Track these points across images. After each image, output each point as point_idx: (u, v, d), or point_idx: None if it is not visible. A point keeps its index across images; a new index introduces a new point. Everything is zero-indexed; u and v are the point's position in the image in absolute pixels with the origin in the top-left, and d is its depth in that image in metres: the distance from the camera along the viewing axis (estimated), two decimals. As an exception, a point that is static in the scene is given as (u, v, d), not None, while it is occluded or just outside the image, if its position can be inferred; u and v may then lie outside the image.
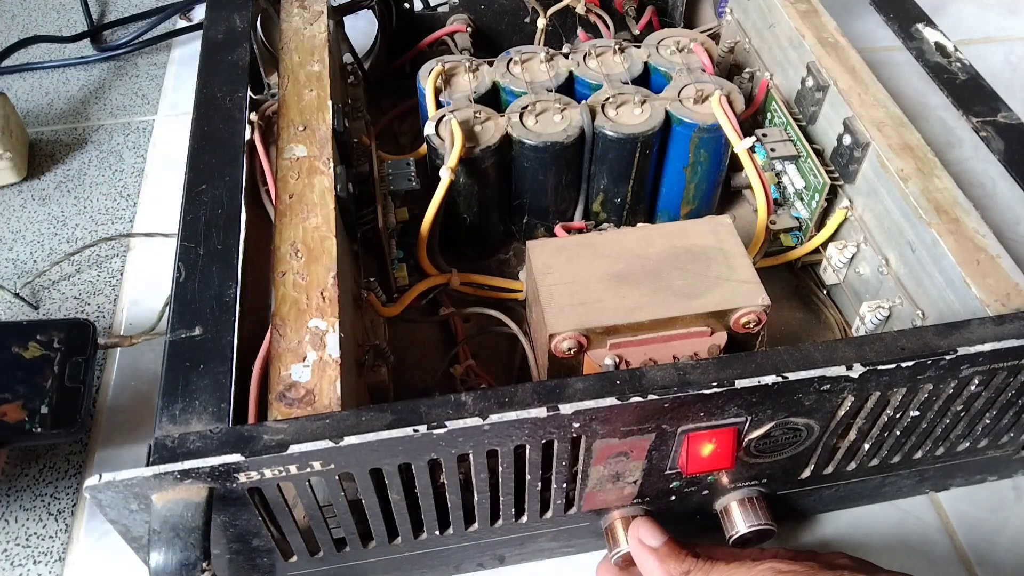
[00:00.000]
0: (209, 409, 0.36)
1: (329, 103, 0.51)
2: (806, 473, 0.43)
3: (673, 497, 0.42)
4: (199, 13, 0.82)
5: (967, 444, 0.43)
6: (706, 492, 0.43)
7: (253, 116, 0.55)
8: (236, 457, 0.33)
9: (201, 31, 0.55)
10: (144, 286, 0.59)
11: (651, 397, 0.35)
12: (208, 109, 0.49)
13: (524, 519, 0.41)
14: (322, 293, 0.41)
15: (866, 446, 0.42)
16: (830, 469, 0.43)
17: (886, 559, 0.46)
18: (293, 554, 0.40)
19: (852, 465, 0.43)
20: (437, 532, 0.40)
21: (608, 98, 0.55)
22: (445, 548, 0.42)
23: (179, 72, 0.77)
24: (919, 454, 0.43)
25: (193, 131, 0.47)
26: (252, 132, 0.54)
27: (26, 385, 0.47)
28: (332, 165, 0.47)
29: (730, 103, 0.54)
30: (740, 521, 0.42)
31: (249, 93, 0.54)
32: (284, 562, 0.40)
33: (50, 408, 0.47)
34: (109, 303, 0.58)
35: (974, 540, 0.47)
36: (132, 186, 0.66)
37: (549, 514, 0.41)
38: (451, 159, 0.51)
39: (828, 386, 0.36)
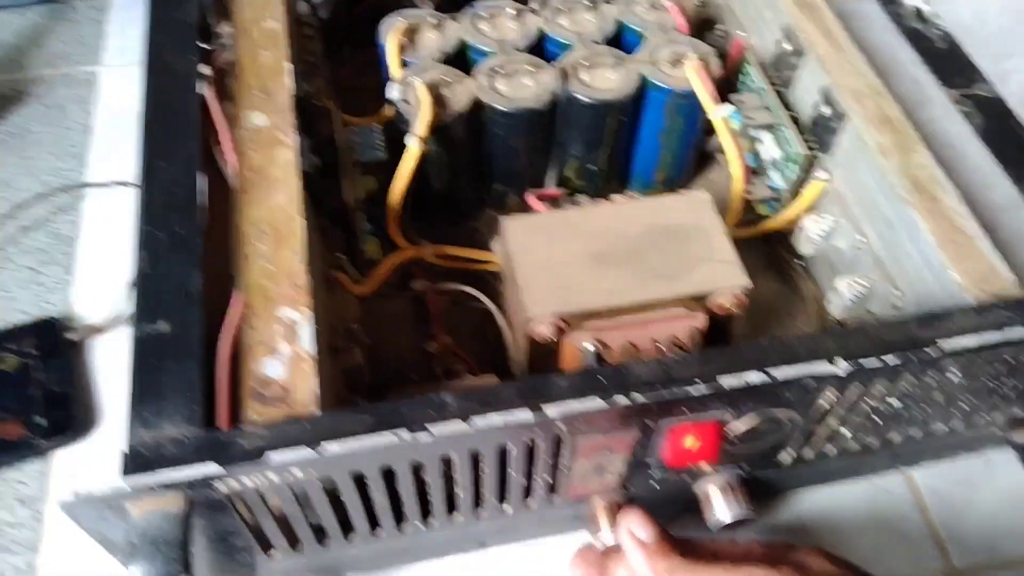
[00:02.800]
0: (181, 412, 0.34)
1: (287, 65, 0.48)
2: (785, 458, 0.43)
3: (655, 484, 0.42)
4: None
5: (942, 426, 0.44)
6: (687, 478, 0.43)
7: (205, 69, 0.52)
8: (213, 468, 0.32)
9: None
10: (99, 255, 0.56)
11: (636, 397, 0.34)
12: (160, 77, 0.46)
13: (508, 508, 0.41)
14: (292, 279, 0.39)
15: (846, 433, 0.42)
16: (809, 454, 0.43)
17: (859, 534, 0.48)
18: (274, 549, 0.39)
19: (831, 449, 0.43)
20: (420, 524, 0.40)
21: (581, 60, 0.53)
22: (427, 536, 0.42)
23: (122, 17, 0.72)
24: (897, 438, 0.44)
25: (146, 102, 0.44)
26: (206, 86, 0.51)
27: (16, 399, 0.48)
28: (294, 135, 0.45)
29: (706, 68, 0.52)
30: (723, 510, 0.42)
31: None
32: (266, 557, 0.39)
33: (47, 418, 0.48)
34: (65, 274, 0.55)
35: (944, 515, 0.48)
36: (80, 144, 0.62)
37: (532, 504, 0.41)
38: (420, 127, 0.49)
39: (813, 382, 0.36)
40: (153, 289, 0.37)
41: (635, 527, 0.39)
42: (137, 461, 0.32)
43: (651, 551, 0.38)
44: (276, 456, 0.32)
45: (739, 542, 0.39)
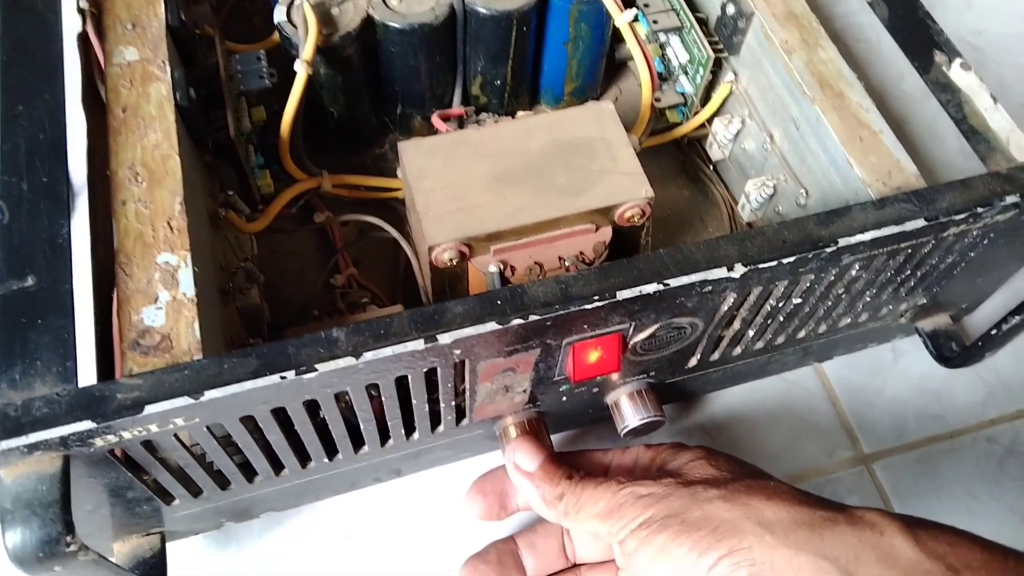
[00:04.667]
0: (53, 369, 0.32)
1: (160, -8, 0.45)
2: (692, 363, 0.43)
3: (564, 398, 0.42)
4: None
5: (848, 320, 0.44)
6: (596, 390, 0.42)
7: (83, 3, 0.48)
8: (87, 424, 0.30)
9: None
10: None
11: (532, 318, 0.33)
12: (15, 13, 0.42)
13: (416, 436, 0.40)
14: (169, 223, 0.37)
15: (750, 333, 0.42)
16: (716, 356, 0.43)
17: (771, 429, 0.48)
18: (175, 499, 0.38)
19: (737, 350, 0.43)
20: (326, 460, 0.39)
21: (478, -31, 0.50)
22: (337, 472, 0.41)
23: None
24: (802, 334, 0.44)
25: (1, 41, 0.41)
26: (84, 22, 0.48)
27: None
28: (169, 69, 0.42)
29: (608, -30, 0.50)
30: (630, 415, 0.42)
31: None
32: (168, 507, 0.38)
33: None
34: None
35: (855, 404, 0.49)
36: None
37: (441, 429, 0.41)
38: (306, 50, 0.46)
39: (710, 288, 0.35)
40: (16, 242, 0.35)
41: (521, 459, 0.39)
42: (5, 424, 0.30)
43: (536, 480, 0.38)
44: (154, 407, 0.30)
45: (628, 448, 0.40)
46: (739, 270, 0.35)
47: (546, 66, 0.55)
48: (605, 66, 0.57)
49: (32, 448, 0.30)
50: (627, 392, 0.43)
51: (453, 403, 0.38)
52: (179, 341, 0.34)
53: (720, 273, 0.35)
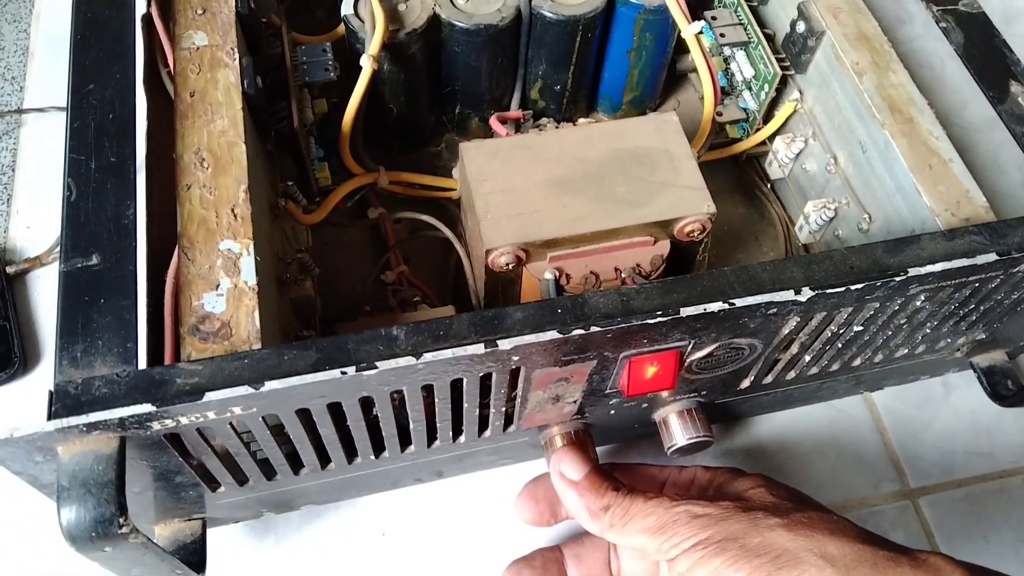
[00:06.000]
0: (114, 350, 0.32)
1: (232, -20, 0.45)
2: (745, 384, 0.42)
3: (613, 412, 0.42)
4: None
5: (905, 351, 0.43)
6: (645, 405, 0.42)
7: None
8: (147, 407, 0.30)
9: None
10: (39, 183, 0.54)
11: (593, 329, 0.33)
12: (90, -8, 0.42)
13: (462, 439, 0.40)
14: (233, 210, 0.37)
15: (807, 358, 0.41)
16: (769, 379, 0.42)
17: (817, 457, 0.48)
18: (220, 486, 0.38)
19: (791, 375, 0.43)
20: (372, 457, 0.39)
21: (546, -27, 0.50)
22: (381, 469, 0.41)
23: (59, -73, 0.67)
24: (858, 362, 0.43)
25: (75, 18, 0.41)
26: (149, 3, 0.48)
27: None
28: (238, 56, 0.42)
29: (678, -19, 0.50)
30: (678, 433, 0.42)
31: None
32: (213, 493, 0.38)
33: None
34: (2, 204, 0.53)
35: (903, 436, 0.48)
36: (16, 67, 0.59)
37: (488, 434, 0.40)
38: (373, 46, 0.46)
39: (775, 310, 0.35)
40: (83, 220, 0.35)
41: (566, 468, 0.38)
42: (65, 401, 0.31)
43: (582, 489, 0.37)
44: (214, 395, 0.30)
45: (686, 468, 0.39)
46: (806, 294, 0.34)
47: (607, 74, 0.55)
48: (665, 77, 0.56)
49: (91, 427, 0.30)
50: (676, 410, 0.42)
51: (503, 409, 0.38)
52: (239, 329, 0.34)
53: (787, 296, 0.34)
